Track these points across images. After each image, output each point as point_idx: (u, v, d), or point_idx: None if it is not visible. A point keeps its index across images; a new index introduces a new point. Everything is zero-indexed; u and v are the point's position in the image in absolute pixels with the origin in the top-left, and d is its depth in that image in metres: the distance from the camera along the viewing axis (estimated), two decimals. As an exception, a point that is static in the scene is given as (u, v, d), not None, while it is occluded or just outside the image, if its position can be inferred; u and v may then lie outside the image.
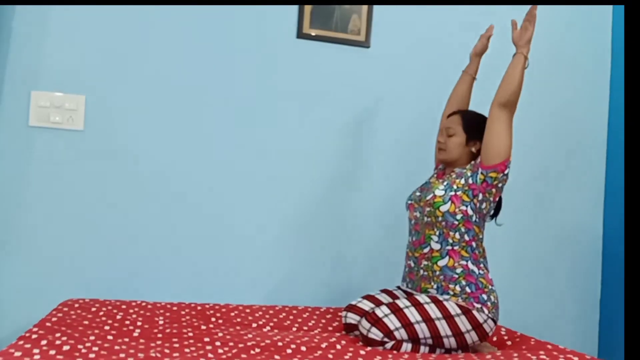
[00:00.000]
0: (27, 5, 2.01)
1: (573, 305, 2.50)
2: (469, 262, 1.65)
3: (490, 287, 1.66)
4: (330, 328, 1.83)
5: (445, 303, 1.60)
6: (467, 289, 1.62)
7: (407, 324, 1.57)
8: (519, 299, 2.42)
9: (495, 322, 1.64)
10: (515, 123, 1.70)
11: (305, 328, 1.81)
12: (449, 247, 1.66)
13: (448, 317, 1.58)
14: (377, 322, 1.57)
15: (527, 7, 1.72)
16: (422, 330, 1.57)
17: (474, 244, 1.67)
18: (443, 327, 1.58)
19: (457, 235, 1.66)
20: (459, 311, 1.59)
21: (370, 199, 2.30)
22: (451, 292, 1.62)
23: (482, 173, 1.66)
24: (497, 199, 1.70)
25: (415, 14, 2.34)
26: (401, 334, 1.56)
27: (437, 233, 1.67)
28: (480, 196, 1.66)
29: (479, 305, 1.60)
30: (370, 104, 2.30)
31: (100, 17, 2.07)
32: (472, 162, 1.74)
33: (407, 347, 1.58)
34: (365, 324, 1.59)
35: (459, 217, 1.65)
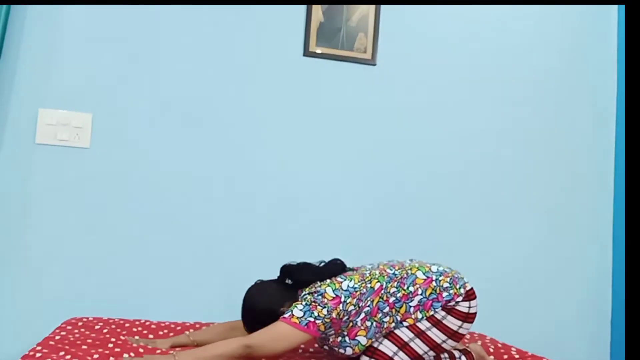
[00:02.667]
0: (35, 4, 2.03)
1: (584, 325, 2.46)
2: (419, 313, 1.56)
3: (435, 283, 1.57)
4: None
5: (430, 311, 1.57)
6: (431, 310, 1.57)
7: (402, 345, 1.55)
8: (530, 318, 2.39)
9: (471, 298, 1.58)
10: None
11: (312, 350, 1.78)
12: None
13: (437, 324, 1.56)
14: (374, 353, 1.55)
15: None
16: (418, 346, 1.55)
17: (389, 319, 1.56)
18: (436, 335, 1.55)
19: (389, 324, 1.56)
20: (443, 313, 1.56)
21: (375, 215, 2.29)
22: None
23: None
24: (340, 305, 1.51)
25: (421, 32, 2.35)
26: (401, 356, 1.54)
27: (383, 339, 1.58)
28: (346, 318, 1.53)
29: (453, 303, 1.56)
30: (376, 122, 2.31)
31: (107, 35, 2.09)
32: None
33: (412, 367, 1.56)
34: (364, 358, 1.57)
35: (367, 335, 1.55)
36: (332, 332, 1.55)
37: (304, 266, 1.64)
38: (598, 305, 2.48)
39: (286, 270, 1.65)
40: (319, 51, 2.24)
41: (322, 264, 1.66)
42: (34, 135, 2.03)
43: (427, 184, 2.34)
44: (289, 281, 1.62)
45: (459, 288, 1.57)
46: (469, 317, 1.57)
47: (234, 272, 2.16)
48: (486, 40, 2.42)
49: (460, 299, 1.56)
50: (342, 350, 1.57)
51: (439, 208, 2.34)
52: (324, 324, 1.49)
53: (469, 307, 1.57)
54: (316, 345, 1.64)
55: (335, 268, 1.63)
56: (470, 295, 1.58)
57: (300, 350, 1.75)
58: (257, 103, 2.21)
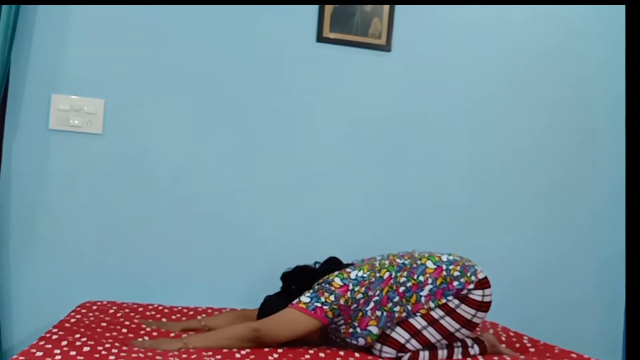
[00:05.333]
0: (46, 5, 2.03)
1: (597, 313, 2.46)
2: (429, 302, 1.55)
3: (446, 272, 1.56)
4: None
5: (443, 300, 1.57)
6: (443, 299, 1.56)
7: (415, 333, 1.55)
8: (542, 308, 2.38)
9: (485, 286, 1.56)
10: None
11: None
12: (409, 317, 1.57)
13: (450, 312, 1.54)
14: (386, 339, 1.56)
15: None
16: (431, 334, 1.55)
17: (400, 308, 1.55)
18: (449, 324, 1.55)
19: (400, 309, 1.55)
20: (457, 302, 1.55)
21: (388, 204, 2.28)
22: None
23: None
24: (346, 291, 1.54)
25: (437, 17, 2.32)
26: (413, 344, 1.55)
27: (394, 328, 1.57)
28: (355, 306, 1.54)
29: (465, 291, 1.55)
30: (391, 109, 2.29)
31: (120, 21, 2.08)
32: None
33: (424, 355, 1.56)
34: (376, 345, 1.57)
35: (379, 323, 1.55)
36: (342, 322, 1.56)
37: (302, 269, 1.68)
38: (611, 294, 2.46)
39: (286, 277, 1.69)
40: (332, 37, 2.21)
41: (318, 265, 1.70)
42: (47, 121, 2.04)
43: (441, 172, 2.32)
44: (293, 287, 1.65)
45: (470, 276, 1.56)
46: (483, 306, 1.56)
47: (246, 259, 2.17)
48: (507, 25, 2.37)
49: (471, 286, 1.55)
50: (354, 341, 1.58)
51: (453, 195, 2.33)
52: (331, 311, 1.50)
53: (483, 295, 1.56)
54: (332, 337, 1.64)
55: (331, 266, 1.65)
56: (484, 284, 1.57)
57: (337, 358, 1.66)
58: (269, 89, 2.19)
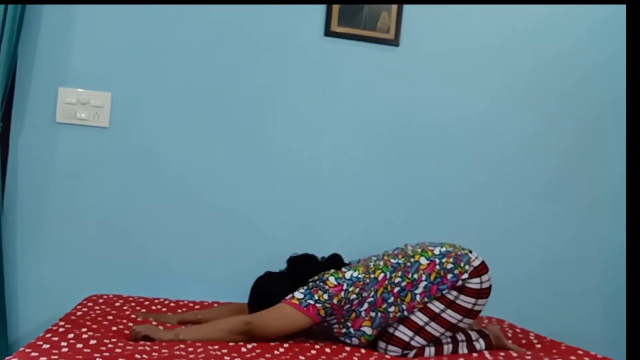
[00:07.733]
0: (54, 4, 2.03)
1: (602, 311, 2.45)
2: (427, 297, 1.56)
3: (439, 266, 1.55)
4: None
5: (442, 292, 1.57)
6: (439, 293, 1.55)
7: (418, 330, 1.55)
8: (549, 304, 2.38)
9: (481, 272, 1.56)
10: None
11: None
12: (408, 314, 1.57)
13: (450, 305, 1.55)
14: (390, 338, 1.56)
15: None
16: (434, 329, 1.55)
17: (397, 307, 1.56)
18: (451, 316, 1.55)
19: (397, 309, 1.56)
20: (455, 293, 1.55)
21: (394, 203, 2.27)
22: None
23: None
24: (340, 290, 1.54)
25: (446, 12, 2.29)
26: (418, 340, 1.55)
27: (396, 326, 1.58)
28: (348, 306, 1.54)
29: (461, 282, 1.55)
30: (399, 105, 2.27)
31: (127, 15, 2.08)
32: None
33: (430, 350, 1.57)
34: (381, 344, 1.58)
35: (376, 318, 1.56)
36: (335, 321, 1.56)
37: (307, 258, 1.69)
38: (615, 290, 2.44)
39: (293, 262, 1.70)
40: (340, 31, 2.19)
41: (323, 259, 1.71)
42: (54, 114, 2.04)
43: (447, 169, 2.31)
44: (295, 273, 1.66)
45: (464, 265, 1.56)
46: (482, 293, 1.56)
47: (252, 254, 2.16)
48: (519, 20, 2.35)
49: (466, 276, 1.55)
50: (348, 341, 1.58)
51: (457, 192, 2.32)
52: (324, 309, 1.51)
53: (481, 282, 1.55)
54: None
55: (332, 263, 1.66)
56: (480, 271, 1.56)
57: (342, 353, 1.64)
58: (276, 83, 2.18)
